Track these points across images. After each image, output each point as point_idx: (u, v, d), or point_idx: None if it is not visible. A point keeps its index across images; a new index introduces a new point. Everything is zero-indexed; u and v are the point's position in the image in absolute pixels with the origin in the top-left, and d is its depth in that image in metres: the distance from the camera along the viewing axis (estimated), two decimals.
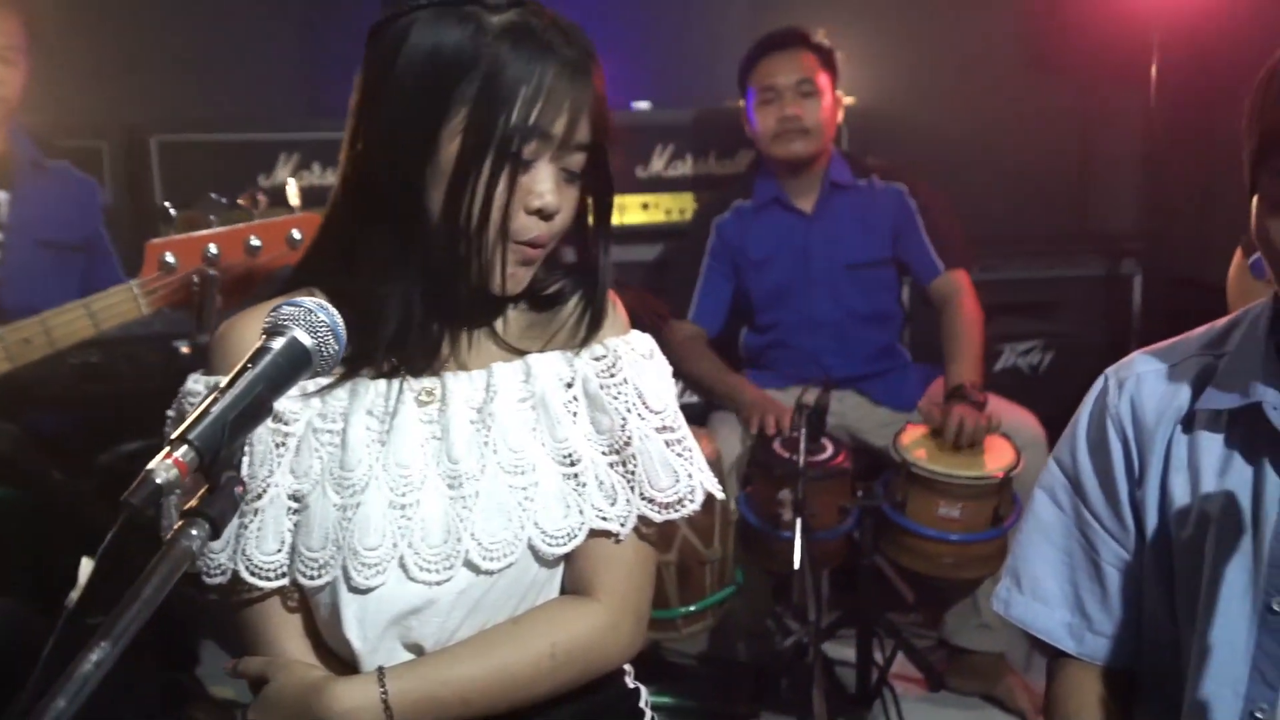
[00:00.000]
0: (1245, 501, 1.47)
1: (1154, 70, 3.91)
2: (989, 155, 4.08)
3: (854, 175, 3.51)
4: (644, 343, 1.57)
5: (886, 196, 3.51)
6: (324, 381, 1.45)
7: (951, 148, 4.04)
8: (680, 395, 3.56)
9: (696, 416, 3.52)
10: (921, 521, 3.03)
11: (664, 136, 3.85)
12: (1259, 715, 1.45)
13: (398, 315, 1.45)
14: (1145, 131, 4.04)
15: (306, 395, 1.45)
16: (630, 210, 3.87)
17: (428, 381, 1.48)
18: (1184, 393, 1.55)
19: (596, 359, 1.53)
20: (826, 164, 3.46)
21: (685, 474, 1.51)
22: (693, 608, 3.02)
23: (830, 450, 3.07)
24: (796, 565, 2.72)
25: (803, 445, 2.84)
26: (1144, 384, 1.59)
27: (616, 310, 1.58)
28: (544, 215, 1.43)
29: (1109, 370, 1.64)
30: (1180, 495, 1.53)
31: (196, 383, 1.47)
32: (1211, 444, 1.52)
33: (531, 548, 1.46)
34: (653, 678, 3.34)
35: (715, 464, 3.05)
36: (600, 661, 1.52)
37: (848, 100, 3.71)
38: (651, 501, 1.50)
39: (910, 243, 3.50)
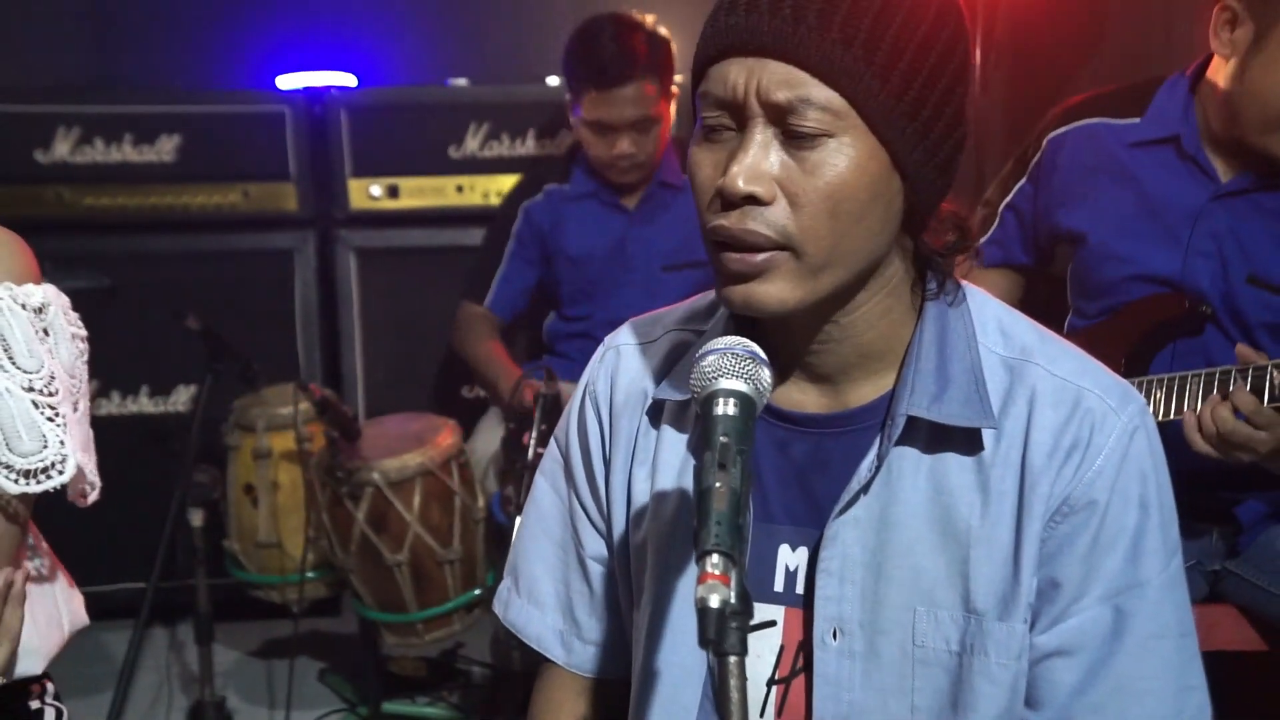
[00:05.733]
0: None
1: (977, 61, 3.67)
2: None
3: (683, 171, 3.25)
4: (35, 295, 1.36)
5: None
6: None
7: None
8: (472, 390, 3.37)
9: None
10: None
11: (479, 115, 3.63)
12: None
13: None
14: (974, 123, 3.80)
15: None
16: (445, 192, 3.66)
17: None
18: (650, 375, 1.34)
19: None
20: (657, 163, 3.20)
21: (57, 440, 1.31)
22: (433, 611, 2.82)
23: None
24: None
25: (534, 436, 2.63)
26: (624, 358, 1.37)
27: (7, 250, 1.38)
28: None
29: (608, 336, 1.42)
30: (640, 493, 1.31)
31: None
32: (675, 439, 1.30)
33: None
34: (427, 687, 3.19)
35: (455, 458, 2.84)
36: None
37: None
38: (9, 468, 1.29)
39: None
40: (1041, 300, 2.41)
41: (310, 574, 2.96)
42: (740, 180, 1.07)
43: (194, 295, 3.23)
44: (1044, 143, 2.29)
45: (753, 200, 1.08)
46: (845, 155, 1.07)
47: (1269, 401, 1.86)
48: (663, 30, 3.07)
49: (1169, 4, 3.16)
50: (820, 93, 1.06)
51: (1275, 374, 1.85)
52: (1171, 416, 2.00)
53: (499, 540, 2.90)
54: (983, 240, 2.40)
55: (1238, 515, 2.17)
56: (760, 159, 1.08)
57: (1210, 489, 2.14)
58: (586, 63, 2.98)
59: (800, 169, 1.08)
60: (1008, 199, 2.36)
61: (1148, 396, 2.03)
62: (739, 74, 1.08)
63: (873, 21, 1.05)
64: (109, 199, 3.52)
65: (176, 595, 3.20)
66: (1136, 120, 2.18)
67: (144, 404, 3.56)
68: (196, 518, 2.80)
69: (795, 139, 1.07)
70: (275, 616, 3.35)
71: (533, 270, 3.29)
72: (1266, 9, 1.94)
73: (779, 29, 1.05)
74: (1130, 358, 2.12)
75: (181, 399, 3.58)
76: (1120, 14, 3.43)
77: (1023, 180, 2.33)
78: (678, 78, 3.10)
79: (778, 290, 1.11)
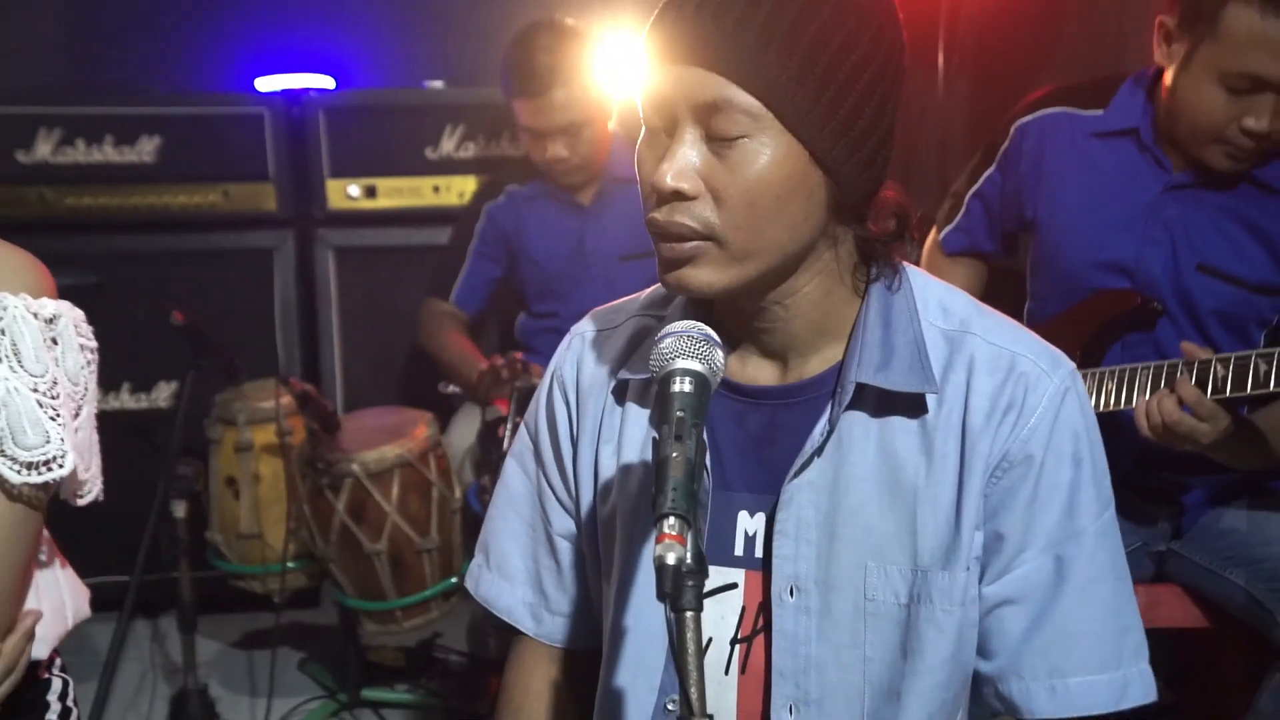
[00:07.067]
0: None
1: (940, 63, 3.78)
2: None
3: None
4: (49, 308, 1.44)
5: None
6: None
7: None
8: (447, 385, 3.44)
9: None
10: None
11: (455, 117, 3.72)
12: (670, 707, 1.33)
13: None
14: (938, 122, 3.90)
15: None
16: (421, 193, 3.74)
17: None
18: (614, 358, 1.42)
19: None
20: (606, 159, 3.27)
21: (58, 437, 1.39)
22: (411, 599, 2.90)
23: None
24: None
25: (508, 427, 2.71)
26: (588, 344, 1.46)
27: (25, 267, 1.46)
28: None
29: (574, 326, 1.51)
30: (607, 469, 1.40)
31: None
32: (639, 417, 1.38)
33: None
34: (406, 675, 3.26)
35: (432, 449, 2.92)
36: None
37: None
38: (14, 460, 1.36)
39: None
40: (1008, 295, 2.50)
41: (291, 564, 3.03)
42: (668, 177, 1.18)
43: (175, 294, 3.29)
44: (1011, 130, 2.37)
45: (679, 196, 1.19)
46: (764, 154, 1.16)
47: (1211, 394, 1.95)
48: (594, 33, 3.14)
49: (1122, 10, 3.27)
50: (738, 96, 1.15)
51: (1219, 368, 1.94)
52: (1123, 406, 2.10)
53: (475, 530, 2.93)
54: (949, 228, 2.50)
55: (1182, 499, 2.27)
56: (686, 158, 1.18)
57: (1158, 472, 2.23)
58: (513, 72, 3.08)
59: (722, 167, 1.17)
60: (975, 187, 2.44)
61: (1100, 387, 2.13)
62: (667, 80, 1.18)
63: (789, 27, 1.14)
64: (90, 199, 3.58)
65: (158, 588, 3.26)
66: (1100, 112, 2.28)
67: (125, 400, 3.63)
68: (180, 510, 2.86)
69: (717, 139, 1.17)
70: (255, 608, 3.42)
71: (496, 266, 3.38)
72: (1194, 30, 2.03)
73: (700, 37, 1.15)
74: (1085, 350, 2.21)
75: (163, 395, 3.64)
76: (1076, 18, 3.54)
77: (991, 168, 2.42)
78: None
79: (705, 275, 1.21)
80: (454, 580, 2.94)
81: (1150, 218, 2.19)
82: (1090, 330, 2.20)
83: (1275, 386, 1.89)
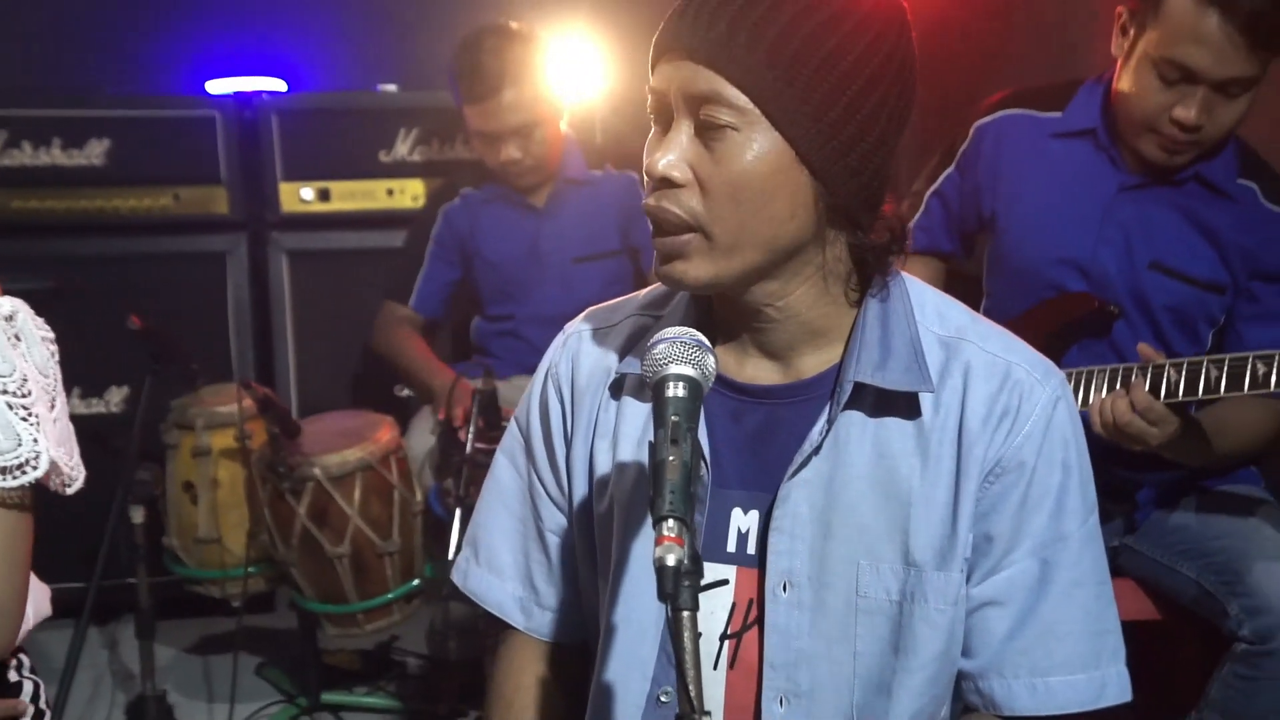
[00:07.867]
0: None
1: None
2: None
3: (587, 167, 3.37)
4: (5, 305, 1.45)
5: (617, 185, 3.36)
6: None
7: None
8: (402, 389, 3.45)
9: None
10: None
11: (409, 120, 3.72)
12: (663, 699, 1.36)
13: None
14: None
15: None
16: (375, 196, 3.74)
17: None
18: (613, 355, 1.45)
19: None
20: (559, 160, 3.29)
21: (30, 439, 1.39)
22: (373, 602, 2.90)
23: None
24: (451, 554, 2.60)
25: (470, 430, 2.72)
26: (584, 341, 1.49)
27: None
28: None
29: (568, 325, 1.53)
30: (602, 464, 1.42)
31: None
32: (635, 411, 1.41)
33: None
34: (365, 678, 3.25)
35: (393, 452, 2.93)
36: None
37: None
38: None
39: (642, 230, 3.36)
40: (962, 298, 2.55)
41: (251, 569, 3.01)
42: (659, 164, 1.24)
43: (126, 298, 3.26)
44: (971, 131, 2.43)
45: (668, 183, 1.24)
46: (749, 148, 1.22)
47: (1165, 397, 2.01)
48: (538, 36, 3.16)
49: (1068, 16, 3.36)
50: (727, 90, 1.21)
51: (1172, 372, 2.01)
52: (1080, 408, 2.15)
53: (436, 533, 2.98)
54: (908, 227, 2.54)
55: (1135, 495, 2.33)
56: (677, 147, 1.24)
57: (1112, 469, 2.29)
58: (461, 78, 3.10)
59: (710, 158, 1.23)
60: (934, 186, 2.49)
61: None
62: (666, 74, 1.25)
63: (781, 29, 1.19)
64: (38, 202, 3.55)
65: (112, 594, 3.21)
66: (1058, 114, 2.34)
67: (75, 405, 3.58)
68: (138, 515, 2.84)
69: (707, 131, 1.23)
70: (211, 613, 3.40)
71: (453, 269, 3.39)
72: (1141, 17, 2.11)
73: (697, 34, 1.21)
74: (1042, 352, 2.26)
75: (114, 399, 3.61)
76: (1023, 25, 3.62)
77: (950, 168, 2.47)
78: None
79: (694, 268, 1.26)
80: (416, 583, 2.95)
81: (1106, 217, 2.25)
82: (1048, 331, 2.25)
83: (1225, 392, 1.96)
